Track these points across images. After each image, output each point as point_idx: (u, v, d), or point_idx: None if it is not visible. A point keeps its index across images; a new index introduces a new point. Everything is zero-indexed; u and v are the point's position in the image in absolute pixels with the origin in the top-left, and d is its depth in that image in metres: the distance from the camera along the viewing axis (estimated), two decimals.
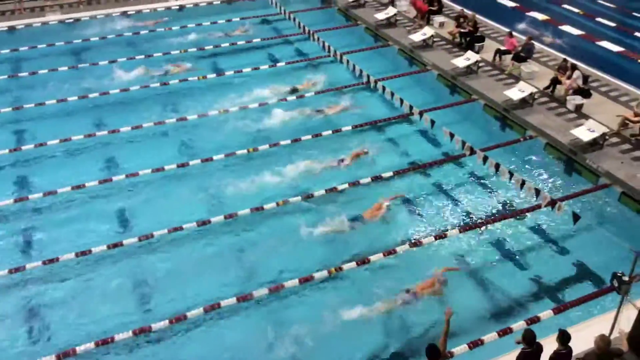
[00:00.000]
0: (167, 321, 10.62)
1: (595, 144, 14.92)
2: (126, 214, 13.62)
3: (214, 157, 15.07)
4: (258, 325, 10.83)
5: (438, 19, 22.31)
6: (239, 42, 21.72)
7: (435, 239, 12.52)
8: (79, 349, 10.10)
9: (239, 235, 12.97)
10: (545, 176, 14.93)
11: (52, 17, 23.53)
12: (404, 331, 10.83)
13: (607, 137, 15.04)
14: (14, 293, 11.58)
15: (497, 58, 19.34)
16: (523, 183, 12.82)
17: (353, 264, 11.78)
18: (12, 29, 22.68)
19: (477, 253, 12.50)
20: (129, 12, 24.15)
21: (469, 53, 19.07)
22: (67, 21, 23.38)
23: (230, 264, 12.30)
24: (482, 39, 20.42)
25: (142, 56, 20.53)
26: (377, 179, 14.42)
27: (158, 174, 14.53)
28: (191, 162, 14.87)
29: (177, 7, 24.93)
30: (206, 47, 21.29)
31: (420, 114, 15.97)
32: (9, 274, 11.68)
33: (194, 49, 21.14)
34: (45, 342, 10.64)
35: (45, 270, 11.84)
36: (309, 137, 16.03)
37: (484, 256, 12.42)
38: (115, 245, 12.26)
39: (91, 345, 10.17)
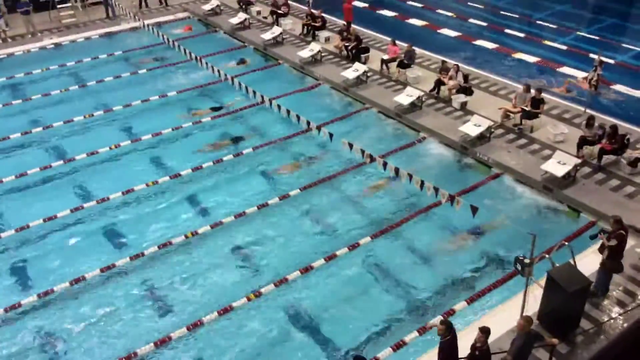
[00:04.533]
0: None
1: (483, 138, 15.80)
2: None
3: (111, 197, 14.45)
4: None
5: (323, 34, 22.79)
6: (124, 75, 20.94)
7: (349, 249, 12.63)
8: None
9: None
10: (442, 174, 15.53)
11: None
12: None
13: (492, 130, 15.98)
14: None
15: (384, 67, 20.04)
16: (422, 183, 13.24)
17: None
18: None
19: (390, 257, 12.71)
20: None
21: (357, 64, 19.62)
22: None
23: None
24: (366, 50, 21.08)
25: (20, 101, 19.41)
26: (284, 197, 14.38)
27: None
28: (86, 205, 14.15)
29: (52, 46, 23.64)
30: (89, 84, 20.35)
31: (318, 128, 16.11)
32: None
33: (76, 87, 20.13)
34: None
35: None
36: (210, 163, 15.74)
37: (396, 258, 12.65)
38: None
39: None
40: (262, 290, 11.64)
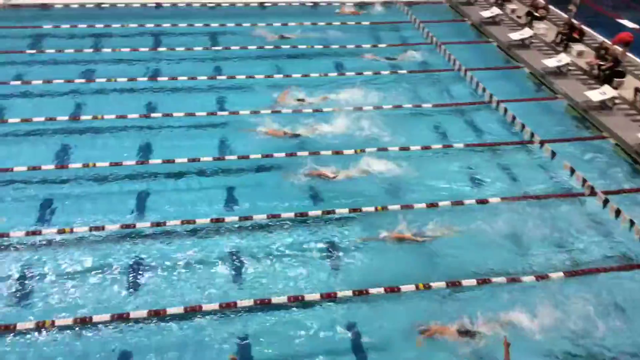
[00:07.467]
0: None
1: None
2: None
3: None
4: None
5: (577, 47, 20.95)
6: (364, 45, 21.74)
7: (536, 279, 11.71)
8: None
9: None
10: None
11: None
12: None
13: None
14: None
15: (639, 97, 17.76)
16: None
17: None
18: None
19: (580, 300, 11.45)
20: (223, 4, 24.87)
21: (606, 87, 17.72)
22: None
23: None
24: (622, 74, 18.85)
25: (255, 47, 21.22)
26: (481, 202, 13.82)
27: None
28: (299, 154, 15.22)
29: (311, 4, 25.49)
30: (332, 46, 21.57)
31: (541, 143, 15.06)
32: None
33: (320, 47, 21.48)
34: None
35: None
36: (418, 147, 15.74)
37: (586, 305, 11.32)
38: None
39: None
40: (433, 284, 11.44)
